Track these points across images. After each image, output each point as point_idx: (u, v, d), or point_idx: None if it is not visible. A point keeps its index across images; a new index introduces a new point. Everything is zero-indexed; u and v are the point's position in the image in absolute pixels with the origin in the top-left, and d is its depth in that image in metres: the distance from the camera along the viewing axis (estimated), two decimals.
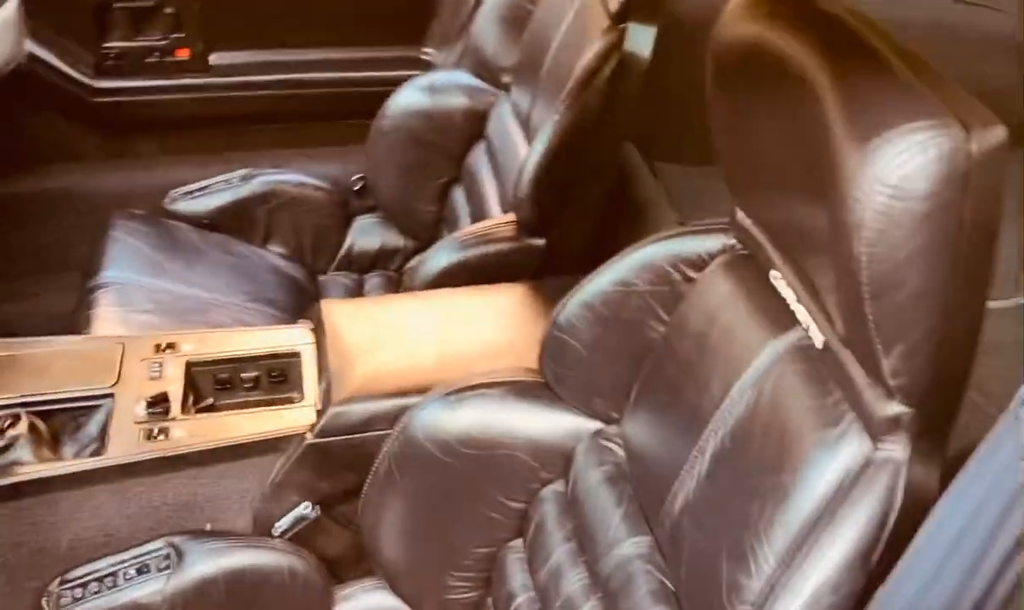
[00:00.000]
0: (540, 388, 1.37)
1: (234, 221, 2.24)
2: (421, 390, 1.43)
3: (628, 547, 1.18)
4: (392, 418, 1.42)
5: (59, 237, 2.31)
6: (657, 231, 1.30)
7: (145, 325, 1.91)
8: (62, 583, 1.36)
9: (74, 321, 1.93)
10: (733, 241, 1.22)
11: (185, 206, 2.26)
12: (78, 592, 1.35)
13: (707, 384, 1.13)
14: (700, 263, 1.24)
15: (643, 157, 1.80)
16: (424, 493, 1.37)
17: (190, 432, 1.45)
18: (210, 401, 1.57)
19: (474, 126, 2.12)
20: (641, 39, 1.67)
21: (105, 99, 2.34)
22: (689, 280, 1.24)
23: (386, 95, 2.17)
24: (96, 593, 1.34)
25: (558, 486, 1.34)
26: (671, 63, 1.72)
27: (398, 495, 1.37)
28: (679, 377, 1.20)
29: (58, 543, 1.38)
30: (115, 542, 1.40)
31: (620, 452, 1.30)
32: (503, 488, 1.35)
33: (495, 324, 1.62)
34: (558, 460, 1.34)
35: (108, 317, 1.93)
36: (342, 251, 2.29)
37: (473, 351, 1.55)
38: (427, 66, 2.40)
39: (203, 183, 2.29)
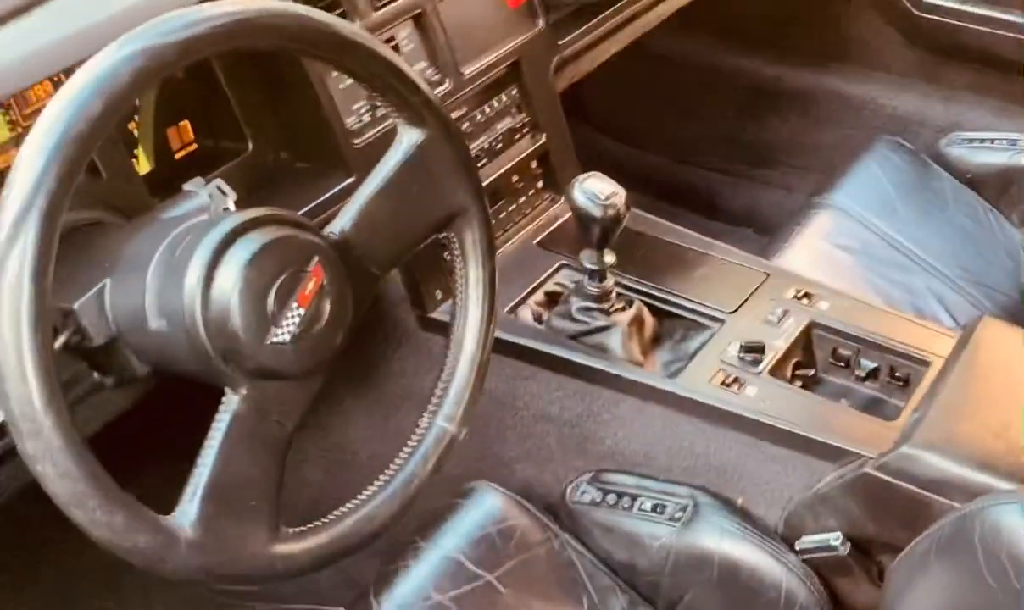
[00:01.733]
0: None
1: (997, 187, 1.96)
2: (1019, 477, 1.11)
3: None
4: (966, 493, 1.13)
5: (823, 141, 2.26)
6: None
7: (834, 262, 1.79)
8: (592, 479, 1.38)
9: (780, 228, 1.88)
10: None
11: (956, 152, 2.04)
12: (597, 495, 1.35)
13: None
14: None
15: None
16: (954, 603, 1.07)
17: (764, 396, 1.33)
18: (812, 372, 1.42)
19: None
20: None
21: (928, 15, 2.17)
22: None
23: None
24: (611, 506, 1.33)
25: None
26: None
27: (926, 587, 1.09)
28: None
29: (603, 440, 1.39)
30: (649, 466, 1.36)
31: None
32: None
33: None
34: None
35: (807, 237, 1.86)
36: None
37: None
38: None
39: (990, 134, 2.03)
